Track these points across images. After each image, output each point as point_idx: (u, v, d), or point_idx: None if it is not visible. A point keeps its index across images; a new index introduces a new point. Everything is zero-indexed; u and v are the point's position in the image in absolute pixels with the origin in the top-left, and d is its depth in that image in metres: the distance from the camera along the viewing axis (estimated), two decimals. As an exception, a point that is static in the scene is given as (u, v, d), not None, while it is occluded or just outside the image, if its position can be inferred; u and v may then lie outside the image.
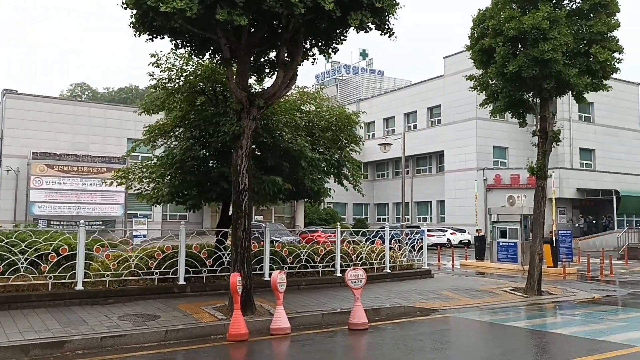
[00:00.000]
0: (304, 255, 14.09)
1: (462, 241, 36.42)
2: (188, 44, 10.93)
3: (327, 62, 62.97)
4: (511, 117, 15.35)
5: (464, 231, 38.01)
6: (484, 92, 14.82)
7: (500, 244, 22.73)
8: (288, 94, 13.35)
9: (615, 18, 13.38)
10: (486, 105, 15.14)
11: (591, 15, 13.44)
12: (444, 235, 37.65)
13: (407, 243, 17.62)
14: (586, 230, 40.13)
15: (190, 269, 12.44)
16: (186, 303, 11.14)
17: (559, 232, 21.75)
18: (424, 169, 48.86)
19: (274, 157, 12.28)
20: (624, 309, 12.64)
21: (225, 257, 12.61)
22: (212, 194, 12.39)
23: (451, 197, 43.17)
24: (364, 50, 63.11)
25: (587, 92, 13.94)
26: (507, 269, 21.37)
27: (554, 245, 20.79)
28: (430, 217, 47.02)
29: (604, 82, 14.04)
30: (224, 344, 8.68)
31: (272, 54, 11.43)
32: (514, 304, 12.85)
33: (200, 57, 11.50)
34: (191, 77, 12.41)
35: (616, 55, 13.59)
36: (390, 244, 16.46)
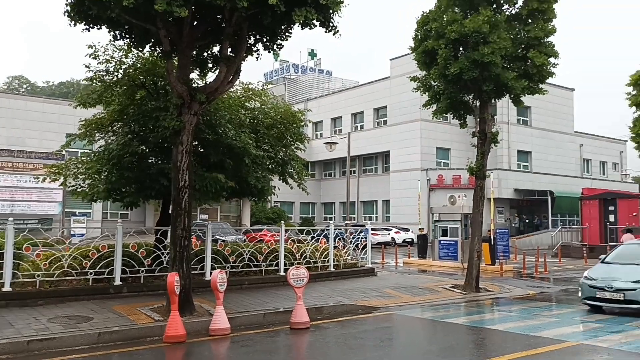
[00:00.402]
0: (247, 254, 13.90)
1: (406, 240, 37.07)
2: (127, 36, 10.55)
3: (276, 60, 62.88)
4: (452, 119, 15.67)
5: (408, 230, 38.69)
6: (427, 93, 15.07)
7: (442, 242, 23.24)
8: (232, 90, 13.15)
9: (552, 24, 13.89)
10: (429, 106, 15.41)
11: (529, 20, 13.90)
12: (389, 234, 38.19)
13: (351, 242, 17.71)
14: (522, 229, 41.72)
15: (127, 269, 12.02)
16: (122, 304, 10.74)
17: (497, 230, 22.47)
18: (370, 168, 49.41)
19: (217, 154, 12.03)
20: (557, 305, 13.15)
21: (165, 257, 12.24)
22: (151, 191, 12.00)
23: (396, 196, 43.85)
24: (312, 50, 63.20)
25: (524, 95, 14.43)
26: (448, 266, 21.86)
27: (492, 243, 21.42)
28: (376, 216, 47.62)
29: (540, 85, 14.58)
30: (160, 346, 8.40)
31: (216, 49, 11.18)
32: (454, 301, 13.12)
33: (140, 49, 11.12)
34: (130, 70, 11.96)
35: (552, 60, 14.12)
36: (334, 242, 16.50)
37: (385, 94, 45.49)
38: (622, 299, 10.89)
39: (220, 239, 18.85)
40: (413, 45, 14.70)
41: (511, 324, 10.20)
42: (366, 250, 17.46)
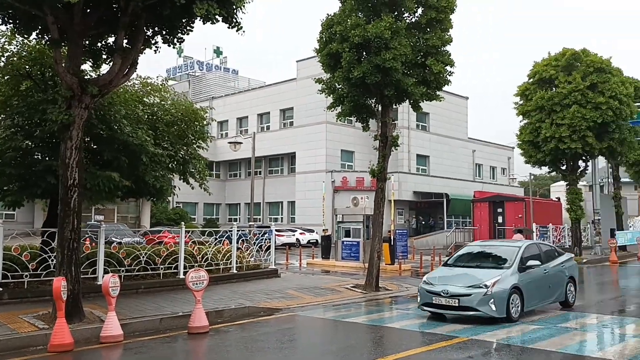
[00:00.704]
0: (143, 257, 13.27)
1: (311, 241, 37.36)
2: (11, 21, 9.69)
3: (179, 56, 61.05)
4: (356, 122, 15.98)
5: (313, 231, 39.05)
6: (331, 95, 15.24)
7: (345, 243, 23.63)
8: (129, 83, 12.55)
9: (449, 34, 14.56)
10: (333, 109, 15.59)
11: (428, 29, 14.48)
12: (294, 235, 38.30)
13: (255, 243, 17.51)
14: (419, 230, 43.60)
15: (9, 274, 11.06)
16: (2, 312, 9.84)
17: (396, 231, 23.24)
18: (276, 170, 49.37)
19: (111, 151, 11.37)
20: None
21: (52, 260, 11.37)
22: (37, 190, 11.10)
23: (302, 198, 44.15)
24: (218, 48, 62.03)
25: (423, 101, 15.01)
26: (350, 266, 22.27)
27: (392, 243, 22.12)
28: (282, 218, 47.64)
29: (438, 92, 15.24)
30: (45, 356, 7.78)
31: (112, 39, 10.55)
32: (355, 301, 13.35)
33: (26, 36, 10.27)
34: (15, 58, 11.05)
35: (448, 68, 14.80)
36: (238, 244, 16.21)
37: (292, 95, 45.67)
38: (456, 305, 10.01)
39: (116, 241, 17.89)
40: (318, 47, 14.81)
41: (408, 321, 10.53)
42: (270, 252, 17.34)
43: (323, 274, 20.05)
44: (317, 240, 36.96)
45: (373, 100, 15.15)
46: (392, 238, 22.41)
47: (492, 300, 9.83)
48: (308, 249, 32.06)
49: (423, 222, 44.67)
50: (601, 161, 32.76)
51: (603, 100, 23.35)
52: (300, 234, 38.72)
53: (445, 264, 11.86)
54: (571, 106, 23.74)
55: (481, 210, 30.93)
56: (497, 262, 11.02)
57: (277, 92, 47.64)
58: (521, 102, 26.20)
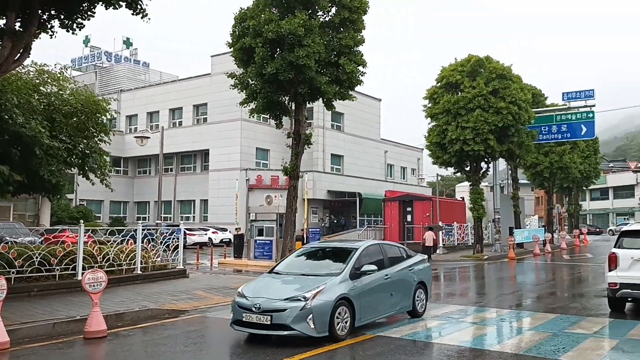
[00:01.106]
0: (37, 257, 12.32)
1: (224, 240, 36.75)
2: None
3: (86, 45, 57.80)
4: (269, 119, 15.82)
5: (226, 230, 38.39)
6: (244, 91, 14.98)
7: (257, 241, 23.38)
8: (22, 70, 11.60)
9: (362, 34, 14.78)
10: (246, 105, 15.33)
11: (341, 29, 14.62)
12: (206, 234, 37.50)
13: (162, 242, 16.82)
14: (333, 229, 44.14)
15: None
16: None
17: (310, 230, 23.31)
18: (188, 167, 48.04)
19: (1, 143, 10.42)
20: None
21: None
22: None
23: (215, 196, 43.24)
24: (128, 39, 59.32)
25: (336, 100, 15.13)
26: (263, 265, 22.00)
27: (305, 242, 22.15)
28: (194, 216, 46.46)
29: (351, 92, 15.43)
30: None
31: (2, 22, 9.67)
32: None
33: None
34: None
35: (361, 68, 15.03)
36: (143, 243, 15.50)
37: (206, 91, 44.63)
38: (269, 323, 8.06)
39: (10, 241, 16.52)
40: (231, 41, 14.49)
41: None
42: (178, 252, 16.74)
43: (234, 274, 19.70)
44: (230, 239, 36.35)
45: (287, 98, 15.07)
46: (305, 236, 22.44)
47: (311, 316, 8.00)
48: (221, 248, 31.44)
49: (335, 221, 45.29)
50: (502, 163, 34.82)
51: (504, 105, 24.76)
52: (213, 232, 37.96)
53: (271, 271, 9.67)
54: (475, 110, 24.96)
55: (391, 209, 31.80)
56: (330, 267, 9.22)
57: (191, 87, 46.36)
58: (430, 105, 27.20)
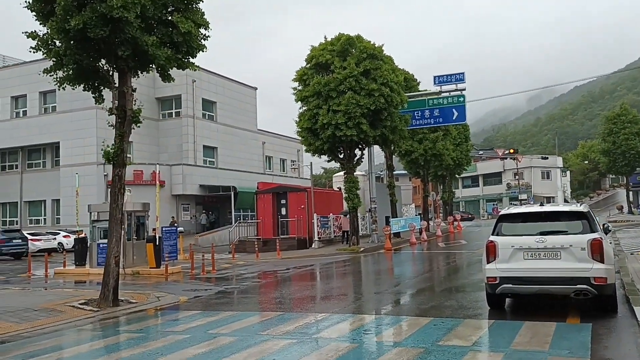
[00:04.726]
0: None
1: (77, 244, 32.12)
2: None
3: None
4: (84, 90, 12.56)
5: (82, 232, 33.72)
6: (48, 55, 11.65)
7: (101, 245, 19.79)
8: None
9: (200, -13, 12.06)
10: (53, 73, 12.00)
11: (174, -21, 11.78)
12: (55, 239, 32.73)
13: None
14: (208, 226, 41.01)
15: None
16: None
17: (163, 229, 20.22)
18: (37, 162, 42.24)
19: None
20: (201, 313, 11.03)
21: None
22: None
23: (68, 195, 38.10)
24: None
25: (172, 68, 12.28)
26: (106, 274, 18.57)
27: (157, 243, 19.04)
28: (45, 219, 41.00)
29: (191, 60, 12.66)
30: None
31: None
32: (76, 323, 10.10)
33: None
34: None
35: (203, 30, 12.34)
36: None
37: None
38: None
39: None
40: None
41: (133, 350, 7.74)
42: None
43: (68, 287, 16.19)
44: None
45: (107, 64, 11.95)
46: (157, 237, 19.30)
47: None
48: (71, 254, 27.10)
49: (207, 218, 42.25)
50: (382, 155, 33.84)
51: (375, 87, 23.28)
52: (64, 236, 33.26)
53: None
54: (346, 92, 23.25)
55: (265, 202, 29.36)
56: None
57: (37, 72, 40.48)
58: (300, 87, 25.10)
